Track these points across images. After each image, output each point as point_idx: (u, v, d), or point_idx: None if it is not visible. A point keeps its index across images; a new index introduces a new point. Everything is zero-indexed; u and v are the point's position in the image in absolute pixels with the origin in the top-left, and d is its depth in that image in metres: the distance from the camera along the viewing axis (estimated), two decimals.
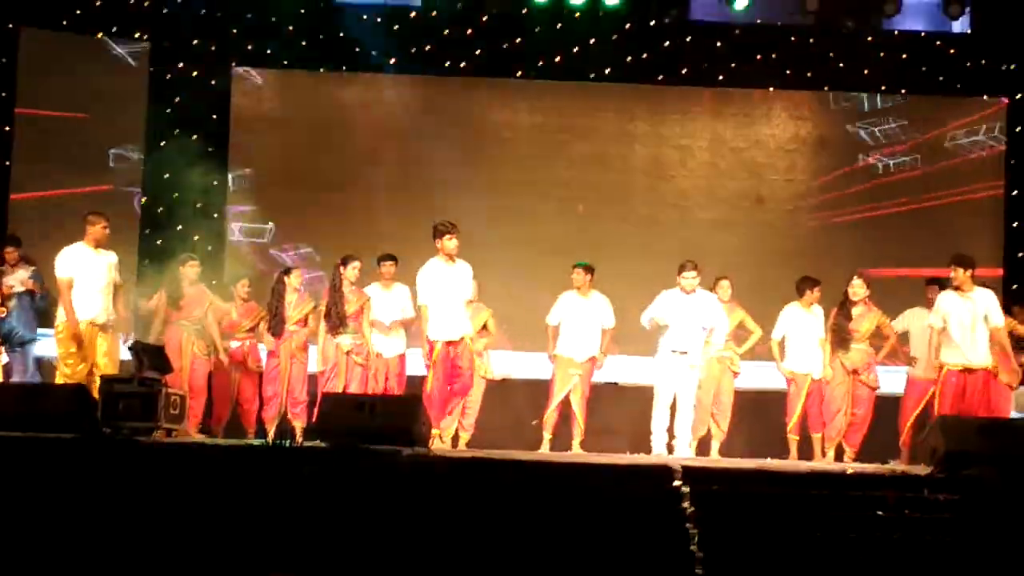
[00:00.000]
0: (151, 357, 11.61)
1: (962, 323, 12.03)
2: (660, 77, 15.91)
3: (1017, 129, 15.82)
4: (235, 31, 15.58)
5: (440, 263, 12.25)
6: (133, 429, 10.78)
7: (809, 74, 15.78)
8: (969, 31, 15.48)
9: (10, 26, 14.94)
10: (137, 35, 15.48)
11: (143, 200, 15.34)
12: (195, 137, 15.23)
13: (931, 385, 12.89)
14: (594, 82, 15.90)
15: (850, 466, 11.45)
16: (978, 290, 12.16)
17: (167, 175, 15.26)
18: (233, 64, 15.80)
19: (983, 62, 15.62)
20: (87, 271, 11.84)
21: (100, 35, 15.30)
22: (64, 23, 15.11)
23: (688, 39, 15.68)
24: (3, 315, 12.82)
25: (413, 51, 15.64)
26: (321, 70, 15.93)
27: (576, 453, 12.73)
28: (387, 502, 8.84)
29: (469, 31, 15.58)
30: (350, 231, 15.46)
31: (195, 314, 13.10)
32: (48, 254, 12.37)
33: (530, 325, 13.91)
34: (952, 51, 15.64)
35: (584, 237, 15.09)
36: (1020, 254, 15.62)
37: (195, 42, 15.52)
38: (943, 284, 12.81)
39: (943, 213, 15.78)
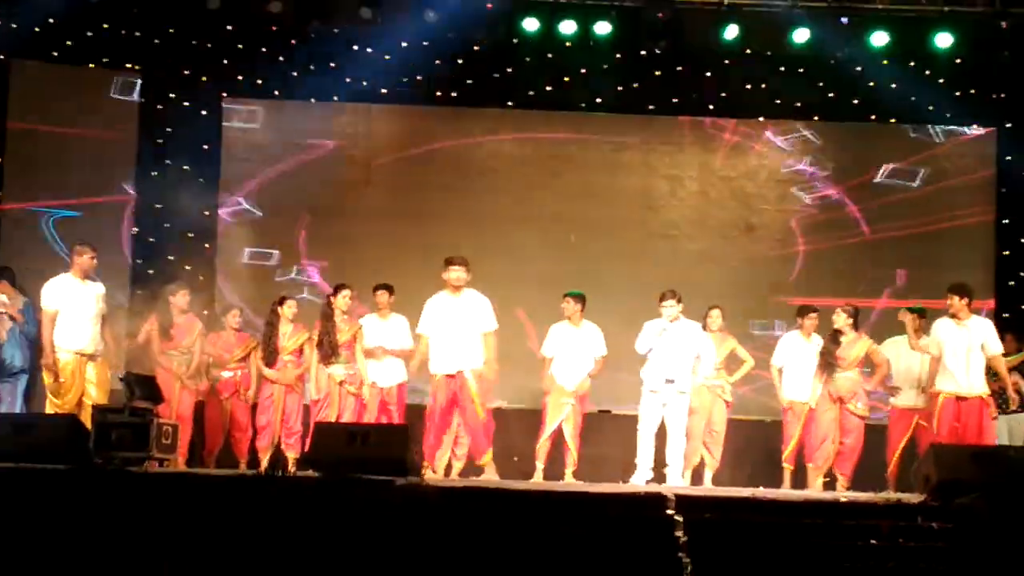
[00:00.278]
0: (142, 387, 11.59)
1: (956, 351, 12.11)
2: (650, 107, 15.95)
3: (1007, 157, 15.85)
4: (226, 62, 15.59)
5: (445, 294, 12.31)
6: (125, 459, 10.75)
7: (799, 104, 15.81)
8: (958, 60, 15.48)
9: (1, 58, 14.93)
10: (128, 66, 15.48)
11: (134, 230, 15.31)
12: (186, 167, 15.24)
13: (914, 414, 12.96)
14: (584, 112, 15.93)
15: (843, 495, 11.44)
16: (974, 318, 12.25)
17: (158, 205, 15.25)
18: (224, 95, 15.81)
19: (972, 91, 15.64)
20: (73, 302, 11.93)
21: (92, 66, 15.29)
22: (55, 54, 15.11)
23: (678, 69, 15.69)
24: None
25: (404, 80, 15.66)
26: (312, 100, 15.93)
27: (569, 482, 12.71)
28: (379, 532, 8.81)
29: (459, 61, 15.59)
30: (340, 260, 15.49)
31: (184, 343, 13.08)
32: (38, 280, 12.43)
33: (521, 355, 13.94)
34: (941, 80, 15.65)
35: (574, 268, 15.09)
36: (1011, 282, 15.63)
37: (186, 73, 15.54)
38: (921, 312, 12.94)
39: (933, 241, 15.82)
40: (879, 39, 15.06)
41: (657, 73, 15.66)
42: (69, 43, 15.13)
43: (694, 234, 15.97)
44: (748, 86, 15.75)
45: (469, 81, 15.72)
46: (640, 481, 12.56)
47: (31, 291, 12.92)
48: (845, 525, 9.58)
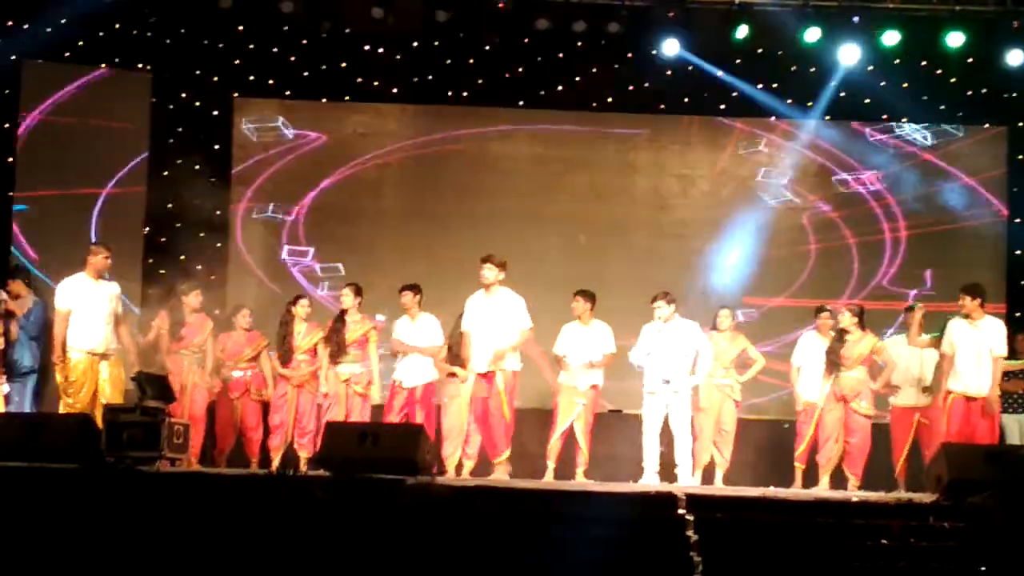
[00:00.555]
0: (154, 386, 11.60)
1: (968, 352, 12.12)
2: (661, 106, 15.93)
3: (1019, 157, 15.82)
4: (237, 61, 15.60)
5: (480, 293, 12.36)
6: (136, 459, 10.76)
7: (809, 104, 15.79)
8: (970, 59, 15.45)
9: (12, 58, 14.95)
10: (139, 66, 15.50)
11: (146, 229, 15.33)
12: (197, 167, 15.25)
13: (915, 413, 12.99)
14: (594, 111, 15.92)
15: (855, 494, 11.43)
16: (987, 319, 12.24)
17: (170, 205, 15.28)
18: (235, 94, 15.82)
19: (983, 90, 15.62)
20: (87, 301, 11.95)
21: (103, 66, 15.31)
22: (66, 55, 15.12)
23: (689, 68, 15.66)
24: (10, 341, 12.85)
25: (415, 80, 15.68)
26: (323, 100, 15.95)
27: (580, 482, 12.71)
28: (390, 531, 8.81)
29: (471, 60, 15.59)
30: (351, 259, 15.55)
31: (196, 342, 13.11)
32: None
33: (531, 355, 13.94)
34: (953, 79, 15.63)
35: (585, 268, 15.06)
36: (1023, 282, 15.60)
37: (197, 72, 15.55)
38: (914, 309, 12.99)
39: (944, 240, 15.81)
40: (890, 38, 15.05)
41: (668, 72, 15.62)
42: (81, 43, 15.13)
43: (705, 233, 15.93)
44: (759, 85, 15.71)
45: (480, 81, 15.71)
46: (651, 479, 12.56)
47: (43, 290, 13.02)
48: (856, 525, 9.58)
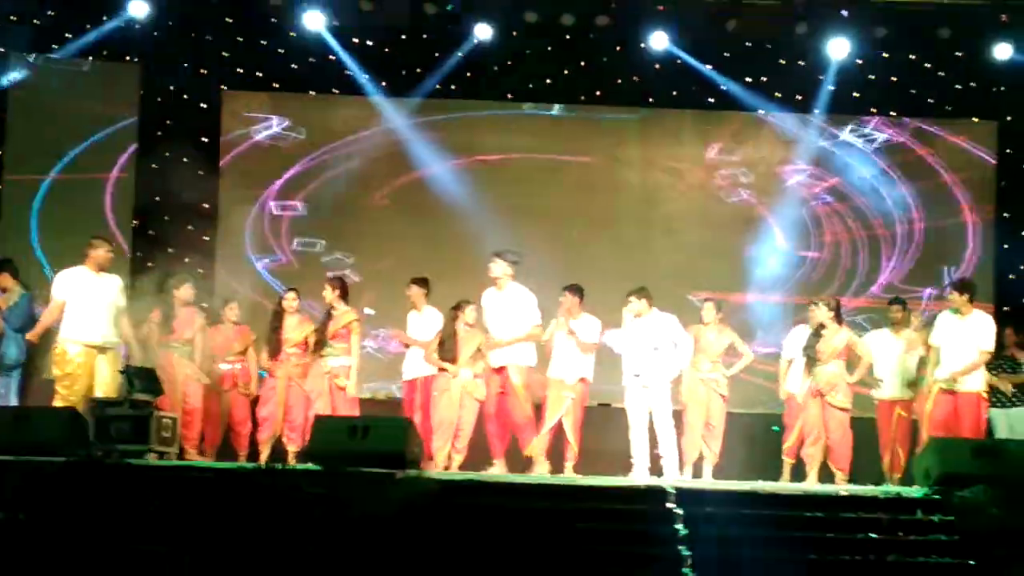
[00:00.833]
0: (142, 379, 11.58)
1: (953, 346, 12.21)
2: (650, 99, 15.92)
3: (1007, 151, 15.84)
4: (225, 54, 15.57)
5: (492, 289, 12.34)
6: (124, 452, 10.74)
7: (799, 96, 15.78)
8: (960, 53, 15.47)
9: (1, 51, 14.91)
10: (127, 58, 15.46)
11: (133, 223, 15.30)
12: (185, 160, 15.21)
13: (896, 405, 12.99)
14: (583, 104, 15.92)
15: (843, 488, 11.44)
16: (976, 314, 12.33)
17: (157, 198, 15.25)
18: (223, 87, 15.78)
19: (972, 84, 15.63)
20: (85, 294, 11.86)
21: (90, 58, 15.27)
22: (54, 47, 15.09)
23: (677, 61, 15.65)
24: None
25: (404, 74, 15.65)
26: (312, 93, 15.92)
27: (569, 476, 12.70)
28: (379, 525, 8.80)
29: (459, 53, 15.56)
30: (340, 251, 15.53)
31: (185, 336, 13.09)
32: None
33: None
34: (941, 73, 15.64)
35: (575, 263, 15.03)
36: (1011, 276, 15.62)
37: (185, 65, 15.51)
38: (904, 303, 13.05)
39: (933, 235, 15.83)
40: (879, 32, 15.08)
41: (657, 66, 15.61)
42: (68, 35, 15.09)
43: (694, 227, 15.93)
44: (748, 79, 15.70)
45: (468, 74, 15.67)
46: (641, 473, 12.56)
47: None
48: (845, 518, 9.59)
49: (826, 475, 13.02)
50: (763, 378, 14.54)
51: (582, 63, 15.72)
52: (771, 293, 15.45)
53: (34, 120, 15.21)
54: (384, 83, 15.73)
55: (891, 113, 15.97)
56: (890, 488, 11.49)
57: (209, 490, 9.21)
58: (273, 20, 15.35)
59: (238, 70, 15.66)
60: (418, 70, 15.66)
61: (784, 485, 12.36)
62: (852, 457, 12.96)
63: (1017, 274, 15.66)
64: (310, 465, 10.21)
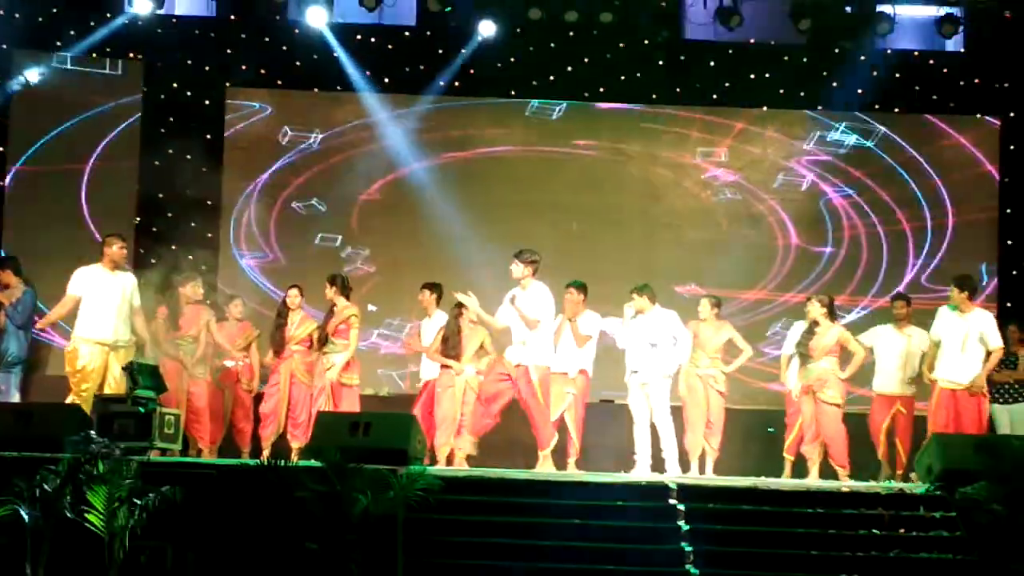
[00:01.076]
0: (146, 376, 11.57)
1: (954, 342, 12.22)
2: (654, 96, 15.92)
3: (1010, 147, 15.82)
4: (229, 52, 15.57)
5: (516, 290, 12.34)
6: (127, 449, 10.73)
7: (802, 93, 15.78)
8: (963, 50, 15.48)
9: (3, 47, 14.92)
10: (131, 56, 15.47)
11: (136, 219, 15.32)
12: (189, 157, 15.23)
13: (896, 401, 12.99)
14: (587, 101, 15.92)
15: (845, 484, 11.43)
16: (976, 311, 12.32)
17: (161, 195, 15.26)
18: (227, 84, 15.79)
19: (976, 81, 15.62)
20: (99, 291, 11.93)
21: (94, 56, 15.28)
22: (58, 44, 15.10)
23: (681, 58, 15.66)
24: None
25: (407, 70, 15.66)
26: (315, 90, 15.93)
27: (571, 472, 12.70)
28: (381, 521, 8.81)
29: (463, 50, 15.56)
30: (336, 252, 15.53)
31: (191, 333, 13.11)
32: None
33: None
34: (945, 70, 15.64)
35: (578, 258, 15.03)
36: (1014, 272, 15.60)
37: (189, 62, 15.52)
38: (908, 299, 13.03)
39: (938, 232, 15.82)
40: (883, 29, 15.08)
41: (660, 63, 15.61)
42: (72, 33, 15.11)
43: (698, 223, 15.93)
44: (752, 76, 15.70)
45: (472, 71, 15.68)
46: (643, 469, 12.56)
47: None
48: (847, 514, 9.60)
49: (829, 472, 13.01)
50: (762, 379, 14.54)
51: (585, 59, 15.70)
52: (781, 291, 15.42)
53: (38, 117, 15.17)
54: (388, 80, 15.74)
55: (895, 110, 15.93)
56: (892, 484, 11.49)
57: (212, 487, 9.23)
58: (277, 18, 15.36)
59: (242, 67, 15.64)
60: (422, 67, 15.67)
61: (786, 481, 12.34)
62: (850, 453, 12.96)
63: (1020, 270, 15.62)
64: (312, 462, 10.22)
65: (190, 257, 14.63)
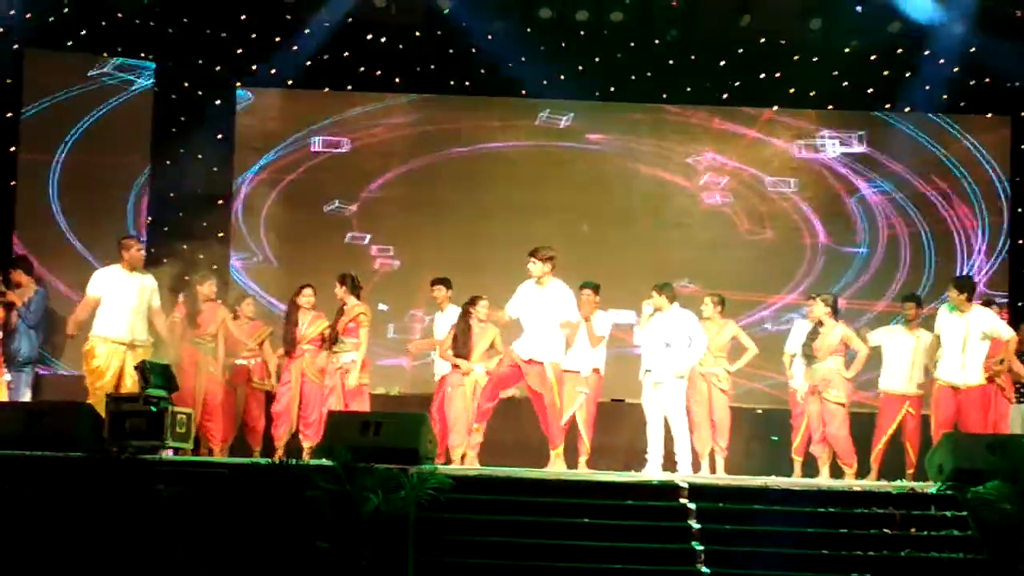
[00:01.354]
0: (157, 375, 11.60)
1: (954, 342, 12.26)
2: (664, 95, 15.91)
3: (1022, 146, 15.80)
4: (240, 51, 15.58)
5: (530, 283, 12.33)
6: (139, 448, 10.75)
7: (813, 93, 15.76)
8: (974, 48, 15.46)
9: (15, 47, 14.95)
10: (142, 55, 15.49)
11: (148, 218, 15.34)
12: (200, 156, 15.25)
13: (905, 400, 12.98)
14: (597, 100, 15.91)
15: (856, 483, 11.43)
16: (975, 309, 12.38)
17: (172, 194, 15.29)
18: (238, 84, 15.82)
19: (987, 80, 15.59)
20: (117, 292, 12.16)
21: (105, 55, 15.31)
22: (69, 43, 15.12)
23: (691, 57, 15.66)
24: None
25: (417, 70, 15.68)
26: (326, 89, 15.94)
27: (582, 471, 12.70)
28: (391, 519, 8.82)
29: (472, 49, 15.57)
30: (347, 252, 15.52)
31: (210, 331, 13.14)
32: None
33: None
34: (956, 68, 15.62)
35: (587, 257, 15.03)
36: None
37: (200, 62, 15.54)
38: (919, 300, 13.07)
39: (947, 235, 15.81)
40: (894, 28, 15.07)
41: (671, 62, 15.61)
42: (83, 32, 15.13)
43: (708, 223, 15.93)
44: (762, 75, 15.70)
45: (482, 70, 15.68)
46: (654, 469, 12.56)
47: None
48: (858, 514, 9.59)
49: (839, 471, 13.02)
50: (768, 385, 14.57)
51: (596, 59, 15.69)
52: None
53: (49, 115, 15.19)
54: (397, 79, 15.76)
55: (905, 108, 15.91)
56: (903, 483, 11.49)
57: (223, 486, 9.24)
58: (288, 17, 15.38)
59: (252, 66, 15.65)
60: (432, 66, 15.68)
61: (797, 480, 12.32)
62: (858, 452, 12.98)
63: None
64: (324, 461, 10.22)
65: (201, 256, 14.64)
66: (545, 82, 15.77)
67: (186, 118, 15.50)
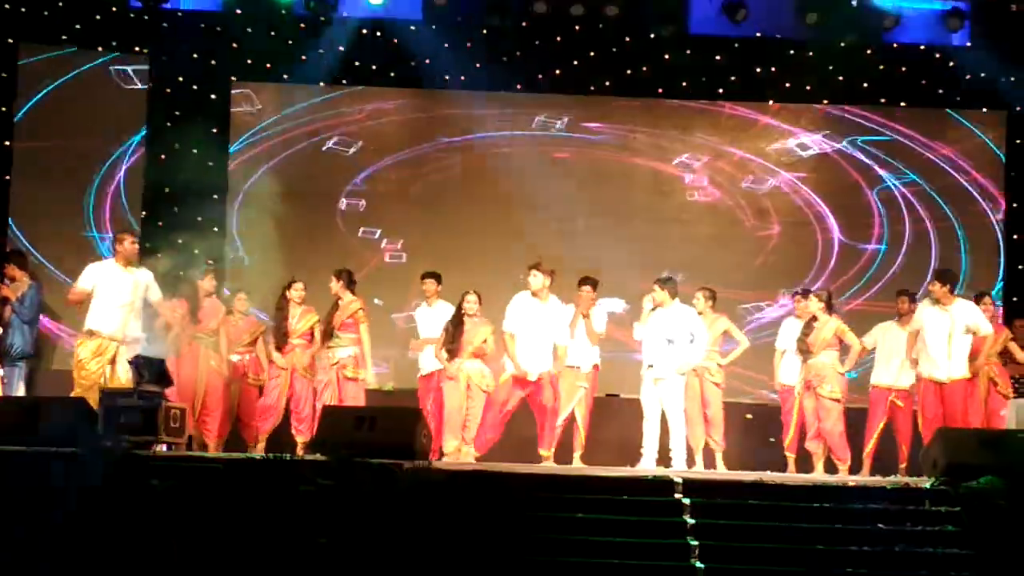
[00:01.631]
0: (151, 370, 11.59)
1: (938, 336, 12.25)
2: (660, 90, 15.90)
3: (1017, 141, 15.78)
4: (235, 45, 15.56)
5: (525, 295, 12.54)
6: (133, 443, 10.75)
7: (808, 87, 15.75)
8: (968, 43, 15.46)
9: (9, 41, 14.93)
10: (136, 50, 15.47)
11: (143, 213, 15.33)
12: (195, 151, 15.24)
13: (890, 392, 13.07)
14: (593, 95, 15.89)
15: (851, 478, 11.44)
16: (958, 302, 12.37)
17: (167, 189, 15.28)
18: (233, 79, 15.79)
19: (982, 74, 15.57)
20: (109, 287, 12.01)
21: (99, 49, 15.29)
22: (63, 38, 15.10)
23: (687, 52, 15.64)
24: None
25: (413, 64, 15.66)
26: (321, 84, 15.91)
27: (577, 466, 12.71)
28: (387, 515, 8.82)
29: (468, 44, 15.55)
30: (340, 246, 15.51)
31: (211, 327, 13.13)
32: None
33: None
34: (951, 63, 15.62)
35: (584, 253, 15.03)
36: (1020, 266, 15.58)
37: (195, 56, 15.52)
38: (912, 295, 13.06)
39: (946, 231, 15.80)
40: (890, 22, 15.08)
41: (666, 57, 15.60)
42: (78, 26, 15.11)
43: (705, 218, 15.92)
44: (758, 69, 15.70)
45: (478, 65, 15.66)
46: (649, 464, 12.57)
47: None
48: (852, 509, 9.59)
49: (833, 467, 13.03)
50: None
51: (591, 54, 15.68)
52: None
53: (45, 110, 15.17)
54: (393, 74, 15.74)
55: (900, 103, 15.90)
56: (897, 479, 11.49)
57: (218, 481, 9.23)
58: (283, 12, 15.36)
59: (247, 61, 15.63)
60: (427, 61, 15.66)
61: (791, 476, 12.38)
62: (851, 448, 13.00)
63: None
64: (318, 456, 10.23)
65: (195, 252, 14.62)
66: (540, 76, 15.75)
67: (181, 112, 15.46)
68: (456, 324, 12.86)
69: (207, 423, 13.07)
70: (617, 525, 9.35)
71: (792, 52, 15.63)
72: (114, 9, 15.16)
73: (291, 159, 15.76)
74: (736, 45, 15.61)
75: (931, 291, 12.55)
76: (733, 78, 15.74)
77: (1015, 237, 15.68)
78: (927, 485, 9.97)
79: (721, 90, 15.84)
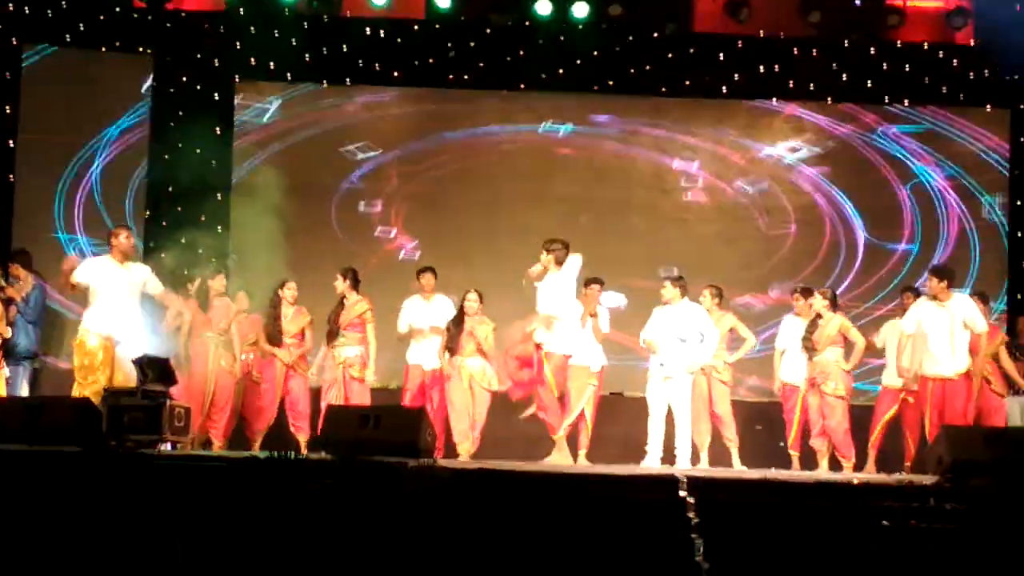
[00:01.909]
0: (155, 369, 11.59)
1: (936, 332, 12.21)
2: (663, 89, 15.89)
3: (1021, 139, 15.77)
4: (238, 45, 15.57)
5: (552, 273, 12.42)
6: (137, 442, 10.76)
7: (812, 86, 15.75)
8: (973, 42, 15.45)
9: (13, 42, 14.94)
10: (140, 49, 15.47)
11: (146, 213, 15.33)
12: (198, 151, 15.24)
13: (901, 391, 12.98)
14: (596, 94, 15.89)
15: (855, 476, 11.43)
16: (955, 298, 12.32)
17: (170, 188, 15.28)
18: (236, 78, 15.79)
19: (986, 73, 15.56)
20: (107, 284, 11.82)
21: (103, 49, 15.29)
22: (67, 38, 15.11)
23: (690, 51, 15.65)
24: (7, 333, 12.82)
25: (416, 64, 15.67)
26: (324, 84, 15.92)
27: (582, 464, 12.71)
28: (391, 514, 8.82)
29: (472, 43, 15.56)
30: (345, 245, 15.50)
31: (221, 326, 13.13)
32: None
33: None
34: (956, 62, 15.61)
35: (585, 251, 14.98)
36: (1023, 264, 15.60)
37: (198, 56, 15.53)
38: (917, 291, 13.05)
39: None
40: (891, 20, 15.09)
41: (669, 55, 15.60)
42: (81, 27, 15.12)
43: (707, 217, 15.92)
44: (761, 68, 15.69)
45: (481, 64, 15.67)
46: (652, 463, 12.56)
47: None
48: (857, 506, 9.58)
49: (838, 464, 13.04)
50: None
51: (595, 53, 15.67)
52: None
53: (47, 110, 15.17)
54: (396, 73, 15.74)
55: (904, 101, 15.90)
56: (902, 476, 11.49)
57: (222, 479, 9.24)
58: (286, 11, 15.37)
59: (251, 61, 15.64)
60: (430, 60, 15.67)
61: (796, 473, 12.38)
62: (856, 445, 13.00)
63: None
64: (322, 454, 10.24)
65: (199, 252, 14.62)
66: (543, 75, 15.74)
67: (184, 112, 15.46)
68: (457, 323, 12.87)
69: (216, 422, 13.07)
70: (621, 523, 9.34)
71: (796, 50, 15.61)
72: (117, 9, 15.14)
73: (294, 158, 15.74)
74: (739, 43, 15.62)
75: (929, 287, 12.50)
76: (736, 76, 15.73)
77: (1019, 234, 15.65)
78: (931, 482, 9.96)
79: (724, 89, 15.82)
